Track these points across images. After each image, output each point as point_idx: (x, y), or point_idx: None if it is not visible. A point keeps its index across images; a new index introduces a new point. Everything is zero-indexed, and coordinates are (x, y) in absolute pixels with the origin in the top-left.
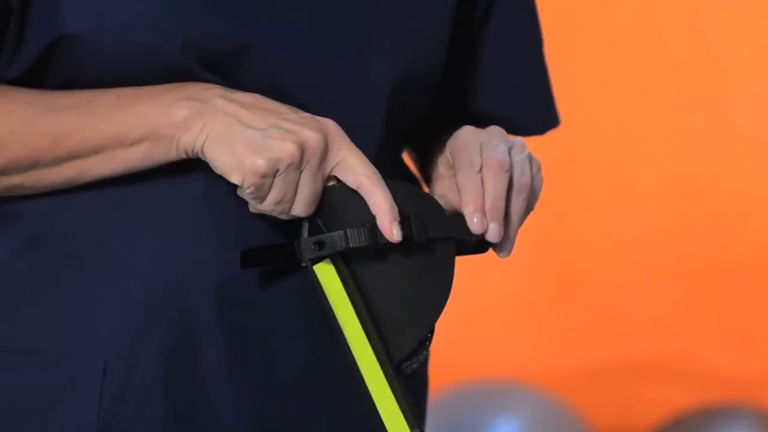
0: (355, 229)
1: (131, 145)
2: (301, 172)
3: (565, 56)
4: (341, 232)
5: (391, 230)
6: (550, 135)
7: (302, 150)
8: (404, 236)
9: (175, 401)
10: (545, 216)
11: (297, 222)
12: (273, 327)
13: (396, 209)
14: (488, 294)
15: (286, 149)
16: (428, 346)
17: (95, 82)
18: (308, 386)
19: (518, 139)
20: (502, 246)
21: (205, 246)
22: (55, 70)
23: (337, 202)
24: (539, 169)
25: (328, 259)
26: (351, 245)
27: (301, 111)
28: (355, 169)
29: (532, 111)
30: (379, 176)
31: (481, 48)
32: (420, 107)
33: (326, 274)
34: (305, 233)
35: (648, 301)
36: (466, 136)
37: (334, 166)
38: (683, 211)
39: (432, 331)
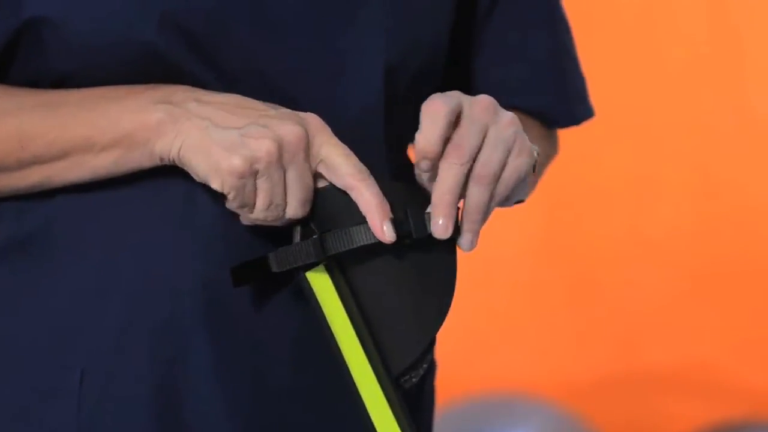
0: (353, 229)
1: (101, 150)
2: (285, 170)
3: (580, 44)
4: (336, 232)
5: (382, 230)
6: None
7: (280, 146)
8: (402, 235)
9: (158, 410)
10: (555, 216)
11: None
12: (263, 329)
13: (387, 207)
14: (496, 300)
15: (262, 146)
16: (429, 358)
17: (65, 74)
18: (300, 394)
19: (508, 114)
20: (461, 241)
21: (190, 247)
22: (22, 60)
23: (330, 203)
24: (521, 153)
25: (321, 266)
26: (346, 247)
27: (283, 108)
28: (339, 169)
29: (551, 102)
30: (367, 173)
31: (488, 34)
32: (422, 96)
33: (320, 281)
34: (297, 238)
35: (666, 307)
36: (433, 98)
37: (318, 164)
38: (704, 211)
39: (433, 342)
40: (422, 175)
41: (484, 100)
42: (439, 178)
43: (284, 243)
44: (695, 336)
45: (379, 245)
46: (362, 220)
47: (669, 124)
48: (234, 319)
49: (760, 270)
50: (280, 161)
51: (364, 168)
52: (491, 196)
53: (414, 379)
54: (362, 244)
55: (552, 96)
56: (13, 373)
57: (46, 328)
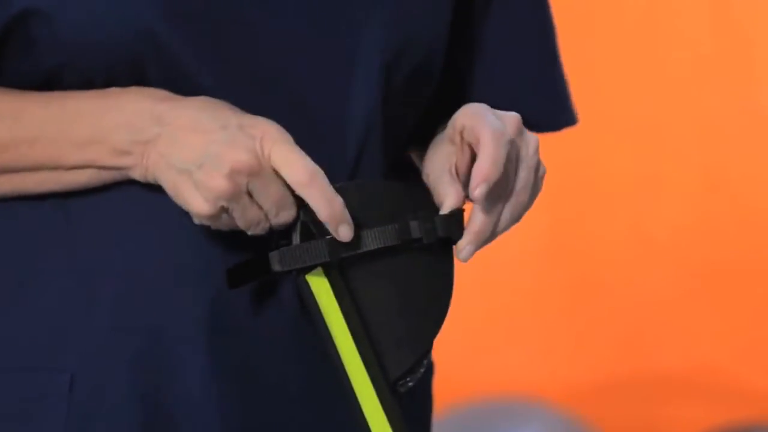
0: (366, 232)
1: (72, 168)
2: (250, 192)
3: (582, 43)
4: (331, 238)
5: (337, 233)
6: None
7: (233, 177)
8: (410, 240)
9: (150, 415)
10: (559, 217)
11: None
12: (256, 331)
13: (336, 209)
14: (498, 302)
15: (217, 185)
16: (425, 364)
17: (56, 71)
18: (296, 396)
19: (533, 139)
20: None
21: (182, 248)
22: (11, 56)
23: None
24: (540, 178)
25: (320, 268)
26: (359, 249)
27: (238, 119)
28: (287, 175)
29: (539, 107)
30: (314, 176)
31: (483, 37)
32: (419, 95)
33: (318, 284)
34: (296, 239)
35: (672, 308)
36: (491, 122)
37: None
38: (709, 212)
39: (430, 347)
40: (476, 199)
41: (515, 122)
42: (483, 208)
43: (280, 242)
44: (700, 338)
45: (381, 250)
46: (364, 224)
47: (673, 124)
48: (227, 321)
49: (765, 271)
50: (239, 188)
51: (312, 170)
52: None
53: (410, 383)
54: (375, 247)
55: (539, 101)
56: (4, 372)
57: (35, 329)
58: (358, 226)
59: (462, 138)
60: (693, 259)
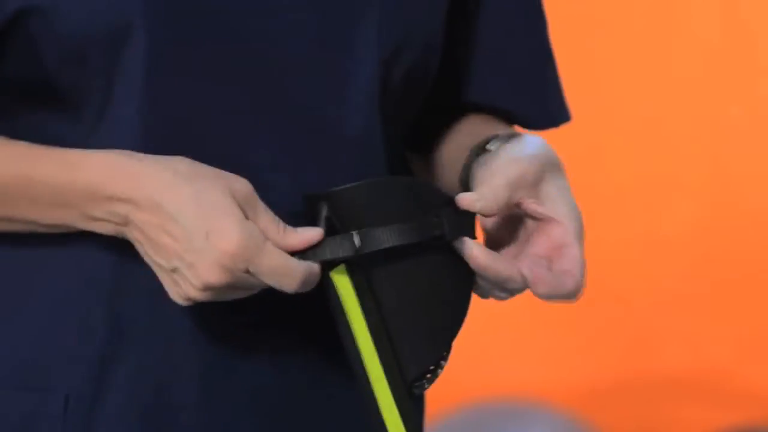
0: (389, 228)
1: (45, 225)
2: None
3: (588, 42)
4: (373, 230)
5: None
6: (570, 125)
7: (210, 290)
8: (434, 237)
9: (150, 425)
10: None
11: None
12: (254, 350)
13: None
14: (504, 304)
15: (196, 295)
16: (444, 365)
17: (50, 72)
18: (295, 414)
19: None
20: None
21: None
22: (8, 57)
23: (355, 200)
24: None
25: (342, 266)
26: (381, 245)
27: (206, 211)
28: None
29: (533, 104)
30: (299, 280)
31: (475, 34)
32: (417, 93)
33: (340, 281)
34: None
35: (679, 310)
36: (571, 210)
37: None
38: (718, 211)
39: (449, 348)
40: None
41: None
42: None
43: None
44: (706, 340)
45: (402, 249)
46: (387, 221)
47: (683, 124)
48: (224, 340)
49: None
50: (218, 293)
51: (293, 281)
52: None
53: (427, 385)
54: (397, 244)
55: (533, 98)
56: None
57: (24, 352)
58: (379, 223)
59: (543, 210)
60: (697, 260)
